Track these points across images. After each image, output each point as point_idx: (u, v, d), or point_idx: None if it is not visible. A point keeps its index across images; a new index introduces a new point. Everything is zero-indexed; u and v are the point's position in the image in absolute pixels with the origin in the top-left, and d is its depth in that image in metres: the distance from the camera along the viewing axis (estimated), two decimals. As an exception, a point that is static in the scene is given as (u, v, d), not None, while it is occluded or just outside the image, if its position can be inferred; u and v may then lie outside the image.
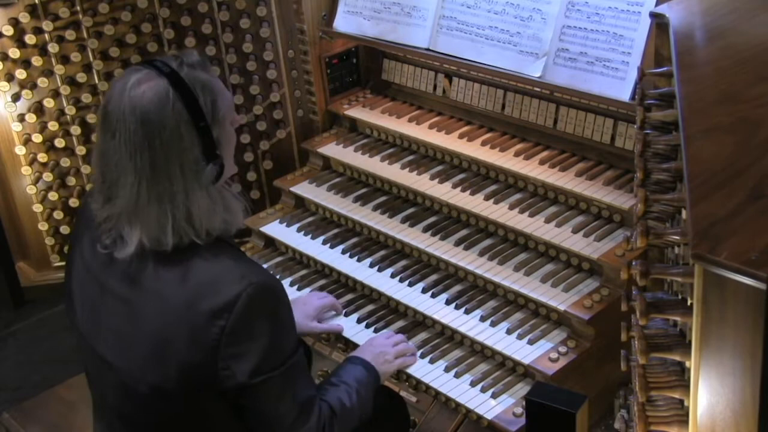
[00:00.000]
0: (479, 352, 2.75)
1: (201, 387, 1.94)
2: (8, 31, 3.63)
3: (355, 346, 2.72)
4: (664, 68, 2.29)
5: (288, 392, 2.01)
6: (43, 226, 3.96)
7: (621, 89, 2.79)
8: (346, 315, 2.94)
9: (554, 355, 2.59)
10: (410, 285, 2.96)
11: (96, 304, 2.03)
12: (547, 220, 2.91)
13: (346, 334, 2.84)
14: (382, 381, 2.48)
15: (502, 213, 2.99)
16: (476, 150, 3.21)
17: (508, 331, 2.72)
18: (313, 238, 3.27)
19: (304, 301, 2.80)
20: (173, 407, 1.98)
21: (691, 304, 1.60)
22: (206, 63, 1.99)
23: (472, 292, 2.90)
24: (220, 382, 1.93)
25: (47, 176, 3.87)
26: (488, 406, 2.56)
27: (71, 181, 3.87)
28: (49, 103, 3.74)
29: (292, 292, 3.07)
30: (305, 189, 3.45)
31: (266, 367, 1.95)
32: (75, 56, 3.66)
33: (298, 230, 3.32)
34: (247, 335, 1.92)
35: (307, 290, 3.10)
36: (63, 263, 3.99)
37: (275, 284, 2.01)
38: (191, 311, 1.90)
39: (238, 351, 1.91)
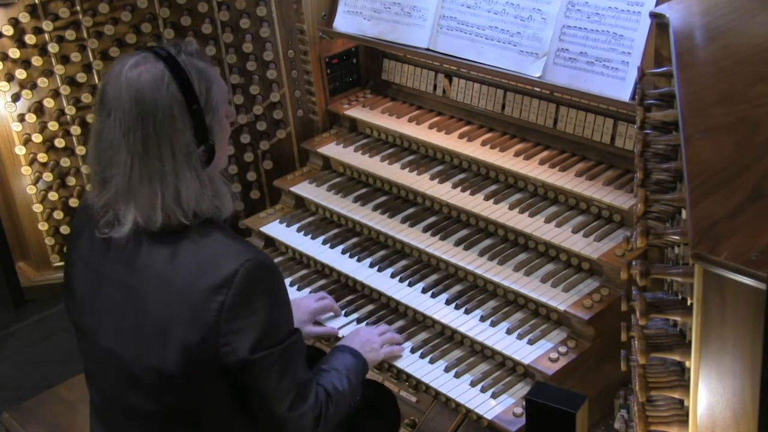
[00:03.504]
0: (479, 352, 2.75)
1: (203, 368, 1.96)
2: (8, 31, 3.63)
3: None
4: (664, 68, 2.29)
5: (287, 372, 2.03)
6: (43, 226, 3.96)
7: (621, 89, 2.79)
8: (346, 315, 2.94)
9: (554, 355, 2.59)
10: (410, 285, 2.96)
11: (97, 296, 2.05)
12: (547, 220, 2.91)
13: (344, 332, 2.84)
14: (370, 369, 2.51)
15: (502, 213, 2.99)
16: (476, 150, 3.21)
17: (508, 331, 2.72)
18: (313, 238, 3.27)
19: (298, 305, 2.78)
20: (177, 394, 1.99)
21: (691, 304, 1.60)
22: (204, 53, 2.03)
23: (472, 292, 2.90)
24: (221, 359, 1.95)
25: (47, 176, 3.87)
26: (488, 406, 2.56)
27: (71, 181, 3.87)
28: (49, 103, 3.74)
29: (292, 292, 3.06)
30: (305, 189, 3.45)
31: (266, 343, 1.97)
32: (75, 56, 3.66)
33: (298, 230, 3.32)
34: (247, 310, 1.94)
35: (307, 290, 3.10)
36: (63, 263, 3.99)
37: (271, 262, 2.04)
38: (190, 290, 1.92)
39: (237, 326, 1.93)
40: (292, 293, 3.06)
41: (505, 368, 2.69)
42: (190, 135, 1.93)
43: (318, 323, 2.85)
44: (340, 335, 2.82)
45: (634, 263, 1.82)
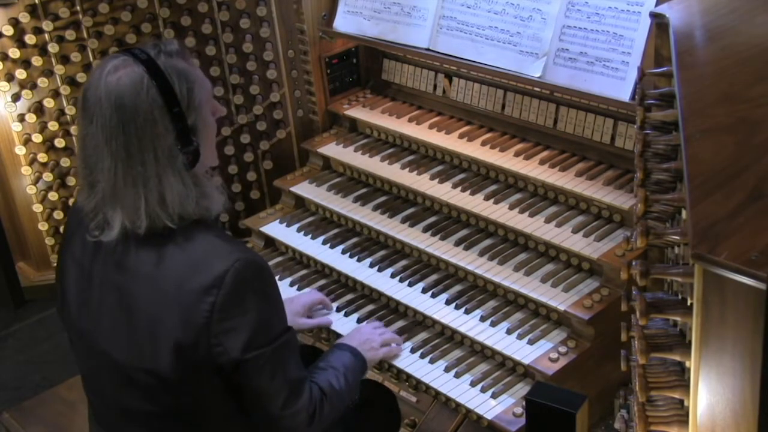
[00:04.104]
0: (479, 352, 2.75)
1: (196, 368, 1.96)
2: (8, 31, 3.63)
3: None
4: (664, 68, 2.29)
5: (280, 370, 2.04)
6: (43, 226, 3.96)
7: (621, 89, 2.79)
8: (346, 315, 2.94)
9: (554, 355, 2.59)
10: (410, 285, 2.96)
11: (91, 298, 2.05)
12: (547, 220, 2.91)
13: (344, 331, 2.84)
14: (369, 368, 2.52)
15: (502, 213, 2.99)
16: (476, 150, 3.21)
17: (508, 331, 2.72)
18: (313, 238, 3.27)
19: (291, 299, 2.81)
20: (172, 394, 1.99)
21: (691, 304, 1.60)
22: (185, 52, 2.01)
23: (472, 292, 2.90)
24: (214, 359, 1.95)
25: (47, 176, 3.87)
26: (488, 406, 2.56)
27: (71, 181, 3.87)
28: (49, 103, 3.74)
29: (292, 292, 3.07)
30: (305, 189, 3.45)
31: (258, 342, 1.97)
32: (75, 56, 3.66)
33: (298, 230, 3.32)
34: (237, 310, 1.94)
35: (306, 291, 3.09)
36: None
37: (261, 261, 2.04)
38: (180, 291, 1.92)
39: (229, 326, 1.93)
40: (292, 293, 3.06)
41: (505, 368, 2.69)
42: (173, 138, 1.92)
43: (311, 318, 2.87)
44: (333, 327, 2.85)
45: (634, 263, 1.82)
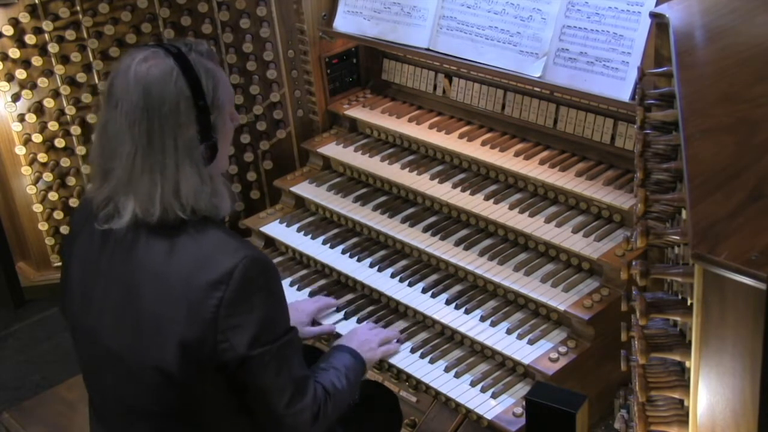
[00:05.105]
0: (479, 352, 2.75)
1: (201, 364, 1.96)
2: (8, 31, 3.63)
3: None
4: (664, 68, 2.29)
5: (284, 368, 2.05)
6: (43, 226, 3.96)
7: (621, 89, 2.79)
8: (346, 316, 2.94)
9: (554, 355, 2.59)
10: (410, 285, 2.96)
11: (95, 294, 2.05)
12: (547, 220, 2.91)
13: (344, 332, 2.84)
14: (368, 368, 2.53)
15: (502, 213, 2.99)
16: (476, 150, 3.21)
17: (508, 331, 2.72)
18: (313, 238, 3.27)
19: (296, 308, 2.80)
20: (176, 392, 1.99)
21: (691, 304, 1.60)
22: (213, 54, 2.06)
23: (472, 292, 2.90)
24: (219, 355, 1.96)
25: (47, 176, 3.87)
26: (488, 406, 2.56)
27: (71, 181, 3.87)
28: (49, 103, 3.74)
29: (292, 292, 3.07)
30: (305, 189, 3.45)
31: (264, 339, 1.98)
32: (75, 56, 3.66)
33: (298, 230, 3.32)
34: (244, 306, 1.95)
35: (307, 290, 3.10)
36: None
37: (268, 259, 2.06)
38: (187, 286, 1.93)
39: (235, 322, 1.94)
40: (292, 293, 3.06)
41: (505, 368, 2.69)
42: (195, 130, 1.95)
43: (315, 322, 2.86)
44: (337, 331, 2.84)
45: (634, 263, 1.82)
